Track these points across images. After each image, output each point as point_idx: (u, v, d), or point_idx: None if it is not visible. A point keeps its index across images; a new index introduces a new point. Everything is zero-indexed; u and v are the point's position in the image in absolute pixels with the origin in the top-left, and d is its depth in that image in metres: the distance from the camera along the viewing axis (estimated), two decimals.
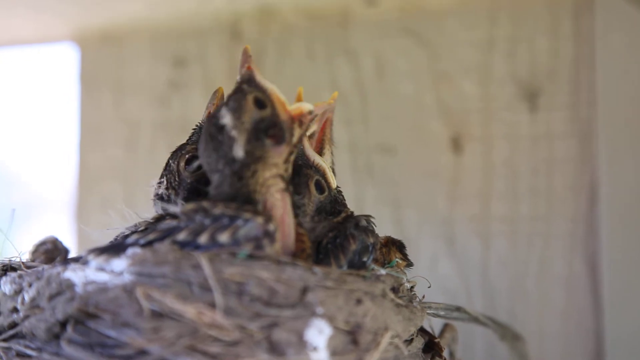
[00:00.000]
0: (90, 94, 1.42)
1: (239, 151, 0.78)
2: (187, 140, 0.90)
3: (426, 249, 1.24)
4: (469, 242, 1.24)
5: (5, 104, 1.61)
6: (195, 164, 0.86)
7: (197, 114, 1.38)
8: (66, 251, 0.91)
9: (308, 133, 0.92)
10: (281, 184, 0.79)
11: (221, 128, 0.79)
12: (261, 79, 0.82)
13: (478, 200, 1.25)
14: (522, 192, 1.23)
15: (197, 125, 0.90)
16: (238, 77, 0.83)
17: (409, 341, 0.81)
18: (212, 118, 0.80)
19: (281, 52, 1.36)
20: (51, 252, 0.90)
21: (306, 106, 0.82)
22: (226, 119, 0.79)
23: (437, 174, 1.27)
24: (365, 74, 1.31)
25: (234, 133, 0.78)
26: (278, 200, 0.78)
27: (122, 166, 1.40)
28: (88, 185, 1.40)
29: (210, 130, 0.80)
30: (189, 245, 0.73)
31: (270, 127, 0.80)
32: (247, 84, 0.81)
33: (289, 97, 1.33)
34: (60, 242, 0.92)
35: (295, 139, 0.81)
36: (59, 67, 1.50)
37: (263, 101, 0.81)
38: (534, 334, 1.17)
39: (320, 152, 0.92)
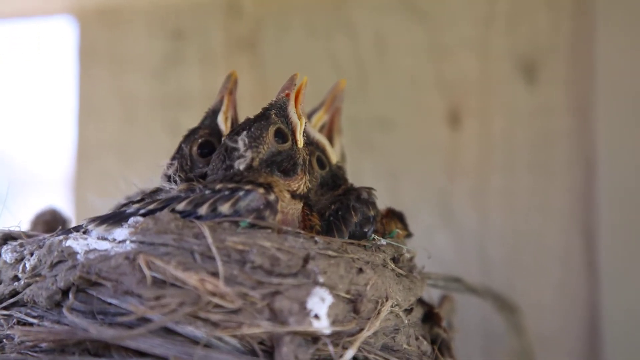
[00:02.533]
0: (88, 68, 1.41)
1: (241, 165, 0.79)
2: (200, 123, 0.90)
3: (423, 222, 1.24)
4: (466, 216, 1.24)
5: (1, 78, 1.60)
6: None
7: (194, 89, 1.39)
8: (65, 222, 0.91)
9: (319, 125, 0.92)
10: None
11: (234, 149, 0.79)
12: (293, 111, 0.82)
13: (475, 174, 1.25)
14: (519, 166, 1.23)
15: (210, 110, 0.90)
16: (274, 99, 0.83)
17: (409, 311, 0.82)
18: (231, 137, 0.80)
19: (280, 27, 1.35)
20: (50, 222, 0.90)
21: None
22: (241, 144, 0.79)
23: (435, 147, 1.27)
24: (364, 49, 1.31)
25: (246, 153, 0.79)
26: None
27: (119, 140, 1.40)
28: (86, 159, 1.40)
29: (226, 146, 0.80)
30: (189, 215, 0.73)
31: (284, 161, 0.80)
32: (277, 112, 0.82)
33: (287, 74, 1.34)
34: (59, 213, 0.93)
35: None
36: (57, 41, 1.49)
37: (285, 135, 0.81)
38: (530, 307, 1.17)
39: (330, 142, 0.92)
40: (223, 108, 0.88)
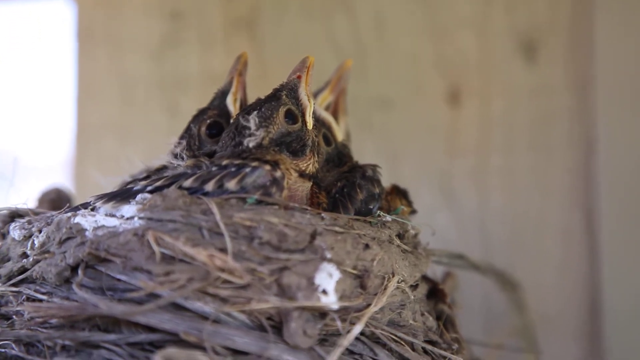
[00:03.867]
0: (87, 50, 1.40)
1: (250, 143, 0.79)
2: (209, 104, 0.90)
3: (424, 202, 1.24)
4: (466, 195, 1.25)
5: (1, 58, 1.60)
6: None
7: (193, 70, 1.39)
8: (70, 200, 0.91)
9: (324, 105, 0.93)
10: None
11: (244, 127, 0.80)
12: (304, 93, 0.83)
13: (476, 154, 1.25)
14: (519, 145, 1.24)
15: (219, 90, 0.90)
16: (284, 80, 0.84)
17: (414, 287, 0.82)
18: (242, 115, 0.81)
19: (278, 7, 1.35)
20: (56, 201, 0.90)
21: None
22: (252, 123, 0.80)
23: (435, 127, 1.27)
24: (363, 29, 1.31)
25: (257, 132, 0.79)
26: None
27: (118, 121, 1.40)
28: (85, 141, 1.39)
29: (237, 124, 0.81)
30: (196, 192, 0.73)
31: (294, 142, 0.81)
32: (288, 93, 0.82)
33: (286, 55, 1.34)
34: (64, 191, 0.93)
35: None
36: (55, 23, 1.48)
37: (295, 116, 0.82)
38: (531, 286, 1.17)
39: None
40: (232, 89, 0.88)
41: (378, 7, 1.30)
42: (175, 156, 0.83)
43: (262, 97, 0.83)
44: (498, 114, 1.25)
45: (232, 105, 0.87)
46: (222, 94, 0.89)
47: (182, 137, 0.86)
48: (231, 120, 0.85)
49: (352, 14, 1.31)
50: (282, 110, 0.81)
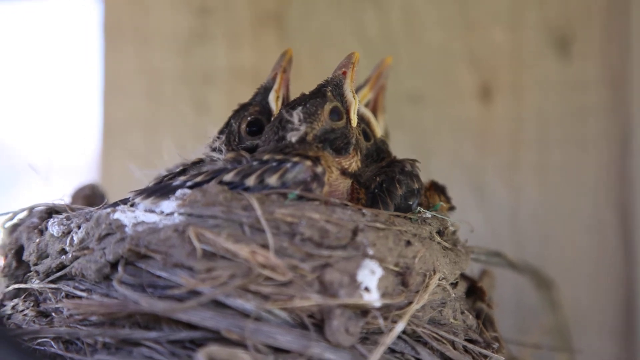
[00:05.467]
0: (113, 45, 1.40)
1: (293, 137, 0.78)
2: (250, 99, 0.89)
3: (455, 199, 1.22)
4: (498, 192, 1.24)
5: (28, 56, 1.59)
6: None
7: (220, 65, 1.38)
8: (104, 196, 0.91)
9: (363, 102, 0.91)
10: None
11: (288, 122, 0.79)
12: (349, 90, 0.82)
13: (507, 150, 1.24)
14: (552, 141, 1.22)
15: (262, 86, 0.89)
16: (330, 76, 0.83)
17: (455, 284, 0.81)
18: (287, 109, 0.80)
19: (306, 1, 1.33)
20: (90, 197, 0.89)
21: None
22: (296, 118, 0.79)
23: (466, 123, 1.25)
24: (393, 23, 1.29)
25: (301, 127, 0.78)
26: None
27: (144, 117, 1.39)
28: (111, 136, 1.39)
29: (280, 119, 0.80)
30: (237, 187, 0.73)
31: (337, 139, 0.80)
32: (333, 90, 0.82)
33: (314, 49, 1.33)
34: (99, 188, 0.92)
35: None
36: (81, 18, 1.48)
37: (340, 113, 0.81)
38: (564, 283, 1.15)
39: None
40: (275, 86, 0.87)
41: (408, 1, 1.28)
42: (214, 150, 0.82)
43: (307, 93, 0.81)
44: (530, 110, 1.23)
45: (275, 102, 0.86)
46: (265, 90, 0.88)
47: (221, 132, 0.85)
48: (272, 118, 0.84)
49: (382, 8, 1.29)
50: (327, 107, 0.80)
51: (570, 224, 1.21)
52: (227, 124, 0.86)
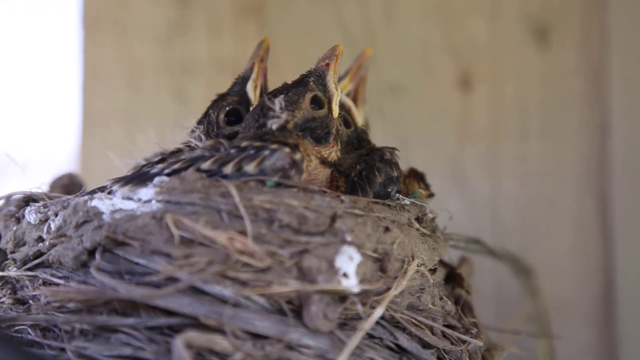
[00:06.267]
0: (93, 36, 1.39)
1: (274, 125, 0.78)
2: (229, 90, 0.89)
3: (435, 189, 1.23)
4: (478, 181, 1.24)
5: (5, 47, 1.58)
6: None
7: (201, 55, 1.38)
8: (82, 186, 0.90)
9: (344, 93, 0.92)
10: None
11: (269, 109, 0.79)
12: (332, 80, 0.82)
13: (487, 139, 1.24)
14: (532, 131, 1.23)
15: (240, 77, 0.89)
16: (313, 66, 0.83)
17: (433, 270, 0.81)
18: (268, 97, 0.80)
19: None
20: (68, 186, 0.89)
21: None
22: (277, 106, 0.79)
23: (446, 113, 1.26)
24: (373, 14, 1.29)
25: (282, 115, 0.79)
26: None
27: (124, 108, 1.38)
28: (91, 127, 1.38)
29: (262, 106, 0.80)
30: (215, 174, 0.72)
31: (318, 128, 0.80)
32: (315, 80, 0.82)
33: (295, 40, 1.32)
34: (77, 177, 0.91)
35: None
36: (60, 8, 1.47)
37: (322, 102, 0.81)
38: (544, 272, 1.15)
39: None
40: (253, 76, 0.87)
41: None
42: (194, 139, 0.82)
43: (289, 82, 0.81)
44: (510, 100, 1.24)
45: (252, 92, 0.86)
46: (243, 80, 0.88)
47: (200, 122, 0.86)
48: (251, 108, 0.84)
49: None
50: (308, 96, 0.80)
51: (550, 213, 1.21)
52: (206, 114, 0.86)
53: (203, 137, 0.82)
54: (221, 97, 0.87)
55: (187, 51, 1.36)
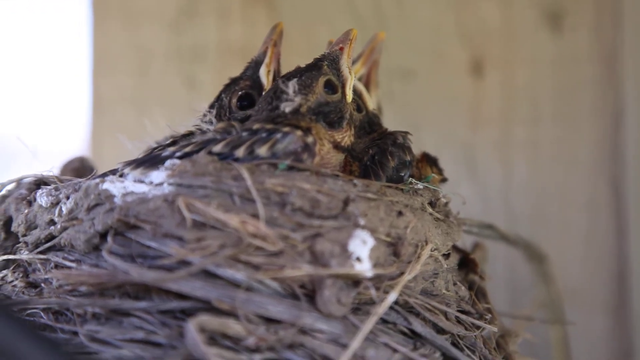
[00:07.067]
0: (102, 22, 1.38)
1: (287, 108, 0.77)
2: (241, 74, 0.88)
3: (447, 174, 1.22)
4: (490, 167, 1.23)
5: (14, 35, 1.58)
6: None
7: (210, 41, 1.37)
8: (93, 169, 0.90)
9: (356, 77, 0.91)
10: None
11: (283, 92, 0.79)
12: (345, 65, 0.82)
13: (499, 125, 1.24)
14: (544, 116, 1.22)
15: (253, 60, 0.88)
16: (326, 50, 0.83)
17: (447, 256, 0.81)
18: (282, 80, 0.80)
19: None
20: (79, 170, 0.89)
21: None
22: (291, 89, 0.78)
23: (457, 98, 1.25)
24: None
25: (295, 98, 0.78)
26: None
27: (134, 94, 1.38)
28: (101, 113, 1.38)
29: (275, 89, 0.79)
30: (226, 157, 0.72)
31: (331, 113, 0.79)
32: (329, 64, 0.81)
33: (305, 26, 1.31)
34: (88, 160, 0.91)
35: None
36: None
37: (335, 87, 0.81)
38: (556, 259, 1.14)
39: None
40: (266, 60, 0.86)
41: None
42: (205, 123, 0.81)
43: (303, 66, 0.81)
44: (522, 85, 1.23)
45: (265, 77, 0.86)
46: (256, 64, 0.87)
47: (212, 106, 0.85)
48: (263, 92, 0.84)
49: None
50: (322, 80, 0.79)
51: (563, 199, 1.21)
52: (218, 98, 0.86)
53: (214, 120, 0.82)
54: (234, 81, 0.87)
55: (196, 36, 1.35)
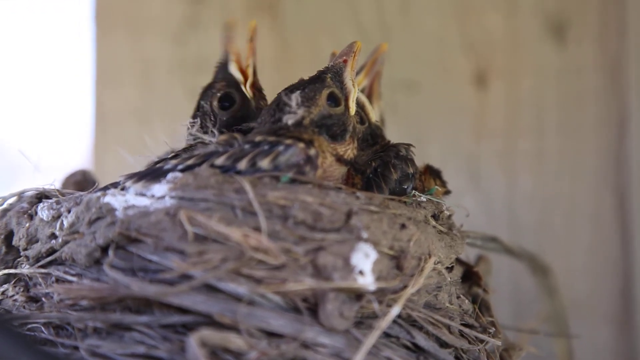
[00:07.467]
0: (106, 33, 1.38)
1: (290, 120, 0.77)
2: (214, 78, 0.89)
3: (451, 186, 1.22)
4: (494, 178, 1.23)
5: (18, 44, 1.58)
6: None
7: (215, 53, 1.36)
8: (95, 183, 0.89)
9: (359, 89, 0.91)
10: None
11: (285, 104, 0.78)
12: (349, 77, 0.81)
13: (503, 136, 1.23)
14: (549, 127, 1.21)
15: (219, 63, 0.89)
16: (331, 63, 0.82)
17: (450, 269, 0.80)
18: (285, 92, 0.80)
19: None
20: (81, 183, 0.88)
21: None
22: (294, 101, 0.78)
23: (461, 109, 1.25)
24: (388, 9, 1.28)
25: (298, 110, 0.78)
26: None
27: (137, 106, 1.38)
28: (104, 125, 1.37)
29: (278, 101, 0.79)
30: (228, 170, 0.72)
31: (334, 125, 0.79)
32: (333, 77, 0.81)
33: (309, 37, 1.31)
34: (90, 174, 0.91)
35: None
36: (72, 6, 1.46)
37: (338, 99, 0.80)
38: (561, 270, 1.14)
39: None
40: (246, 54, 0.88)
41: None
42: (195, 138, 0.82)
43: (307, 78, 0.81)
44: (526, 96, 1.23)
45: (237, 72, 0.87)
46: (223, 66, 0.89)
47: (194, 117, 0.86)
48: (242, 87, 0.85)
49: None
50: (325, 92, 0.79)
51: (567, 210, 1.20)
52: (198, 107, 0.87)
53: (200, 131, 0.82)
54: (209, 87, 0.88)
55: (200, 48, 1.35)
